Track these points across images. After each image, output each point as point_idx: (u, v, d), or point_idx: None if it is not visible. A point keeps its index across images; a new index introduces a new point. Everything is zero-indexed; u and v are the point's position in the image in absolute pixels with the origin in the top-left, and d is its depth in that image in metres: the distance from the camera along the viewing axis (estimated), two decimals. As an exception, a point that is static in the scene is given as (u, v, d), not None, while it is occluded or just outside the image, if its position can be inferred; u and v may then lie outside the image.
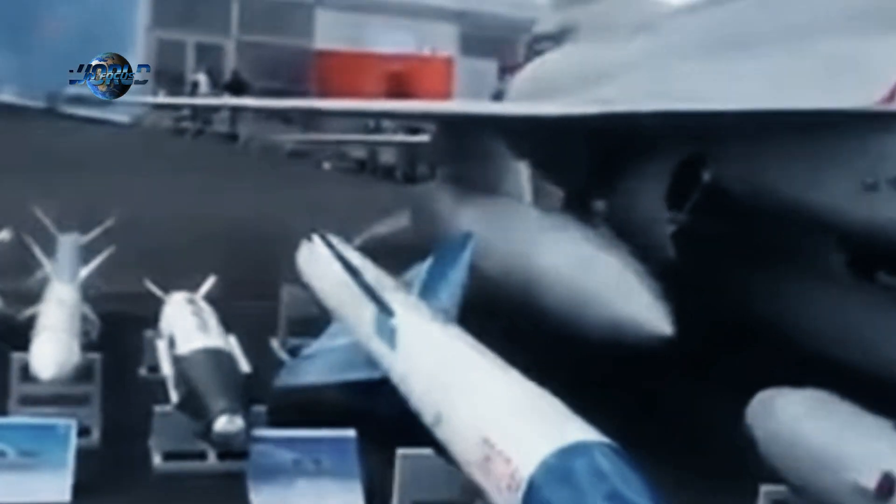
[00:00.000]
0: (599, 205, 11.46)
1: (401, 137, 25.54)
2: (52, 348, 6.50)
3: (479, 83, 36.76)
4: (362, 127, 28.30)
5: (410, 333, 6.41)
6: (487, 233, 8.56)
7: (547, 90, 13.09)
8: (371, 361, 6.85)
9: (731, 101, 8.55)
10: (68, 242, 10.22)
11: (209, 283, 8.83)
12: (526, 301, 7.80)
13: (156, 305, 8.59)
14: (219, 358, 6.72)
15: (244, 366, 7.12)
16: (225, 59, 41.11)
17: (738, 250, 9.37)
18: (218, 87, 36.69)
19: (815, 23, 8.65)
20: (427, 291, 7.28)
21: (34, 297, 8.61)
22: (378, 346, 6.74)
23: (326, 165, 29.15)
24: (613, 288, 7.10)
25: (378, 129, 28.46)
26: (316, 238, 9.31)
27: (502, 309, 8.45)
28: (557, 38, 15.68)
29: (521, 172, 9.41)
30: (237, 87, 35.69)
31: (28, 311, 8.21)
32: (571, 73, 12.76)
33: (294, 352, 8.93)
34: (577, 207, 11.41)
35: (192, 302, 8.09)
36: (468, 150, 10.80)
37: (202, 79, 36.40)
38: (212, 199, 18.66)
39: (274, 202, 18.80)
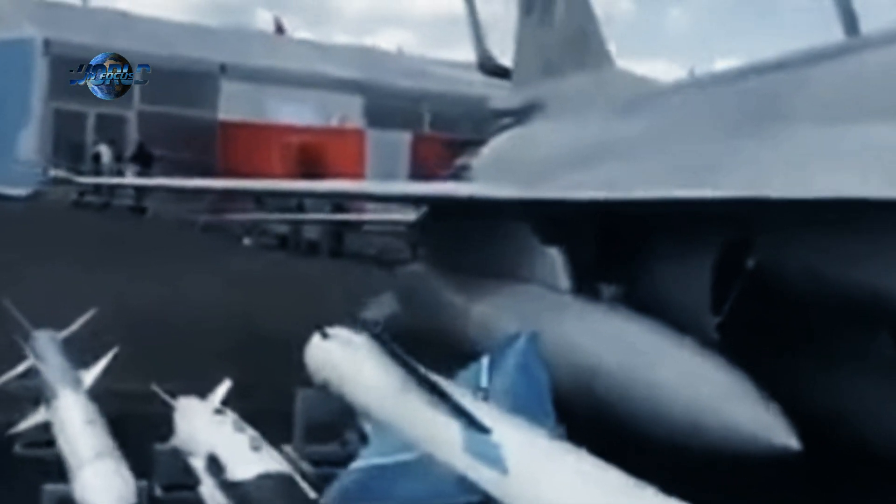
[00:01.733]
0: (608, 290, 10.88)
1: (376, 216, 24.36)
2: (110, 482, 5.56)
3: (391, 155, 36.32)
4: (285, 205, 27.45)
5: (523, 455, 5.65)
6: (533, 327, 7.90)
7: (530, 168, 12.52)
8: (462, 483, 6.06)
9: (762, 185, 8.13)
10: (48, 338, 9.20)
11: (224, 388, 7.93)
12: (601, 407, 7.12)
13: (146, 405, 7.76)
14: (287, 486, 5.86)
15: (310, 491, 6.26)
16: (127, 129, 39.81)
17: (789, 341, 8.88)
18: (122, 159, 35.45)
19: (849, 103, 8.34)
20: (503, 399, 6.55)
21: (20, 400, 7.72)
22: (475, 468, 5.95)
23: (247, 241, 28.19)
24: (721, 395, 6.49)
25: (301, 208, 27.63)
26: (339, 333, 8.56)
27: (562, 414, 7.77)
28: (522, 113, 15.29)
29: (555, 259, 8.79)
30: (144, 159, 34.52)
31: (29, 422, 7.25)
32: (559, 150, 12.25)
33: (316, 462, 8.13)
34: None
35: (220, 412, 7.18)
36: (480, 234, 10.17)
37: (104, 150, 35.13)
38: (150, 280, 17.53)
39: (216, 282, 17.82)
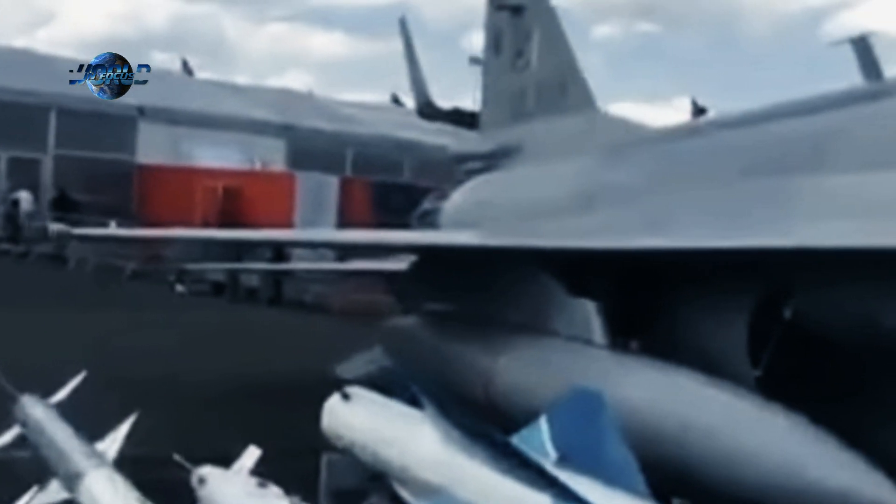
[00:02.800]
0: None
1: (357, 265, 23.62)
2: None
3: (320, 199, 35.76)
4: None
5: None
6: (580, 383, 7.50)
7: (522, 214, 12.17)
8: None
9: (793, 233, 7.92)
10: (40, 405, 8.50)
11: (253, 456, 7.35)
12: (681, 470, 6.72)
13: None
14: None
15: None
16: (42, 173, 38.48)
17: (833, 392, 8.62)
18: (40, 204, 34.24)
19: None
20: (581, 465, 6.12)
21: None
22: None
23: (180, 288, 27.29)
24: (812, 452, 6.17)
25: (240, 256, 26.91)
26: (361, 394, 8.05)
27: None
28: (493, 157, 14.96)
29: (589, 311, 8.41)
30: (65, 205, 33.35)
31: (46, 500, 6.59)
32: (553, 195, 11.90)
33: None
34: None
35: (262, 485, 6.62)
36: (491, 284, 9.76)
37: (25, 196, 33.83)
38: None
39: (170, 334, 17.06)
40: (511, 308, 9.44)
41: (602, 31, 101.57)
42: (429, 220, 17.66)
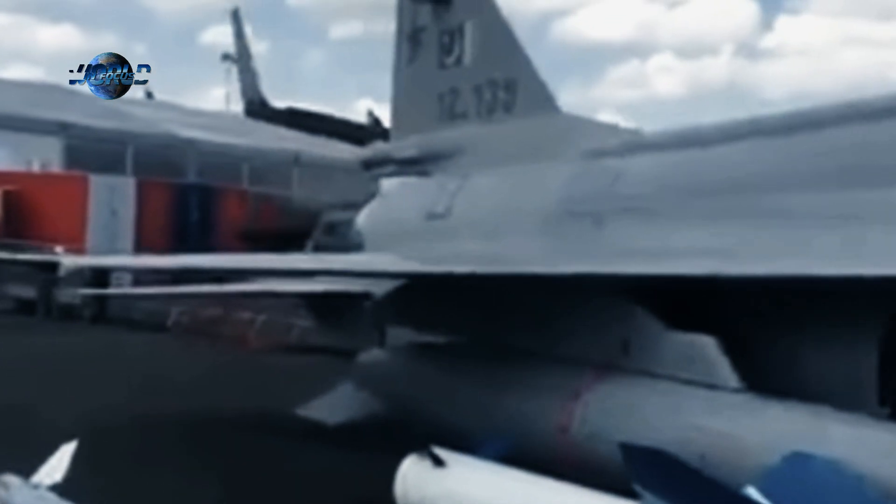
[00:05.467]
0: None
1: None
2: None
3: (116, 203, 33.02)
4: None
5: None
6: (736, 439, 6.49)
7: (489, 229, 10.98)
8: None
9: None
10: (28, 487, 6.70)
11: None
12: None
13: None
14: None
15: None
16: None
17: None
18: None
19: None
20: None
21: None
22: None
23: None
24: None
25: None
26: (456, 458, 6.77)
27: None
28: (418, 163, 13.67)
29: (706, 348, 7.32)
30: None
31: None
32: (533, 207, 10.77)
33: None
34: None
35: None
36: (538, 314, 8.56)
37: None
38: None
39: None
40: (570, 341, 8.28)
41: (341, 30, 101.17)
42: (340, 234, 16.11)
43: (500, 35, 12.83)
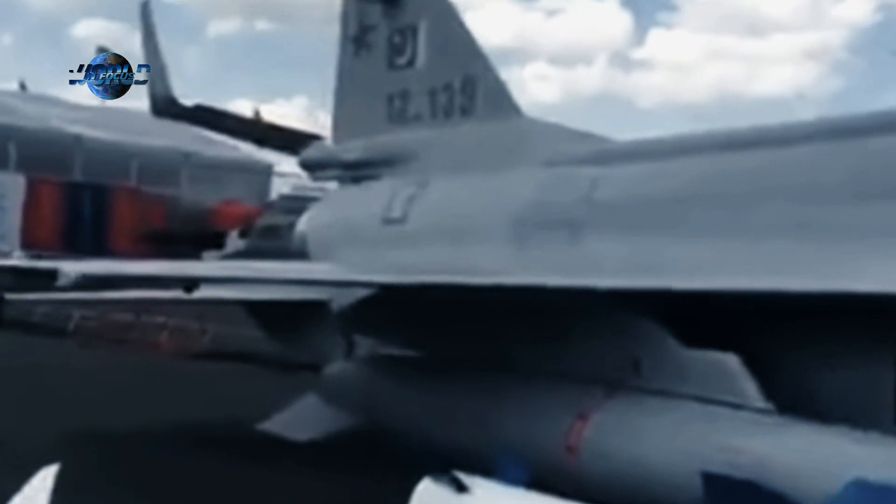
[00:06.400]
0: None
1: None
2: None
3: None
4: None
5: None
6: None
7: (453, 235, 10.61)
8: None
9: None
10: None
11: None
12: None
13: None
14: None
15: None
16: None
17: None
18: None
19: None
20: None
21: None
22: None
23: None
24: None
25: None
26: (480, 483, 6.37)
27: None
28: (366, 167, 13.21)
29: (729, 366, 7.07)
30: None
31: None
32: (484, 213, 10.43)
33: None
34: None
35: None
36: (534, 327, 8.22)
37: None
38: None
39: None
40: (572, 357, 7.97)
41: (220, 27, 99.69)
42: (279, 238, 15.51)
43: (457, 36, 12.47)
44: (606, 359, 7.72)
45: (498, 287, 8.11)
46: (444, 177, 11.60)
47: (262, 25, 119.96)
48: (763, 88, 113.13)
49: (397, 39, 13.11)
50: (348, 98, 13.92)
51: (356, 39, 13.76)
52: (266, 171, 52.36)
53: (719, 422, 6.91)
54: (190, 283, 9.48)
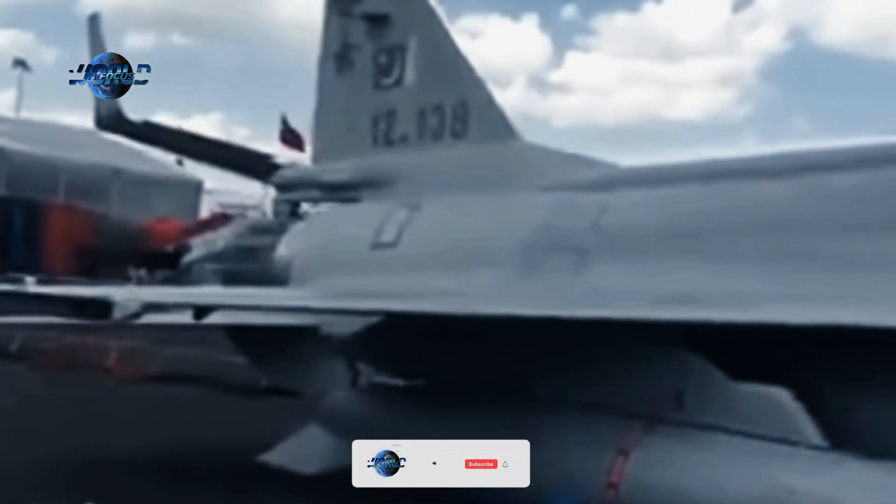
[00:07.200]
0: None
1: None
2: None
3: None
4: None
5: None
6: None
7: (451, 261, 10.32)
8: None
9: None
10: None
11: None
12: None
13: None
14: None
15: None
16: None
17: None
18: None
19: None
20: None
21: None
22: None
23: None
24: None
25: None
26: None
27: None
28: (347, 189, 12.85)
29: (782, 402, 6.87)
30: None
31: None
32: (486, 238, 10.20)
33: None
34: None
35: None
36: (561, 357, 7.98)
37: None
38: None
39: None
40: (609, 391, 7.73)
41: (135, 41, 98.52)
42: (257, 261, 15.07)
43: (448, 56, 12.20)
44: (644, 391, 7.48)
45: (530, 319, 7.82)
46: (438, 200, 11.31)
47: (177, 40, 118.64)
48: (678, 113, 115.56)
49: (383, 58, 12.81)
50: (329, 117, 13.57)
51: (338, 57, 13.43)
52: (196, 188, 51.57)
53: (773, 459, 6.71)
54: (204, 310, 9.04)
